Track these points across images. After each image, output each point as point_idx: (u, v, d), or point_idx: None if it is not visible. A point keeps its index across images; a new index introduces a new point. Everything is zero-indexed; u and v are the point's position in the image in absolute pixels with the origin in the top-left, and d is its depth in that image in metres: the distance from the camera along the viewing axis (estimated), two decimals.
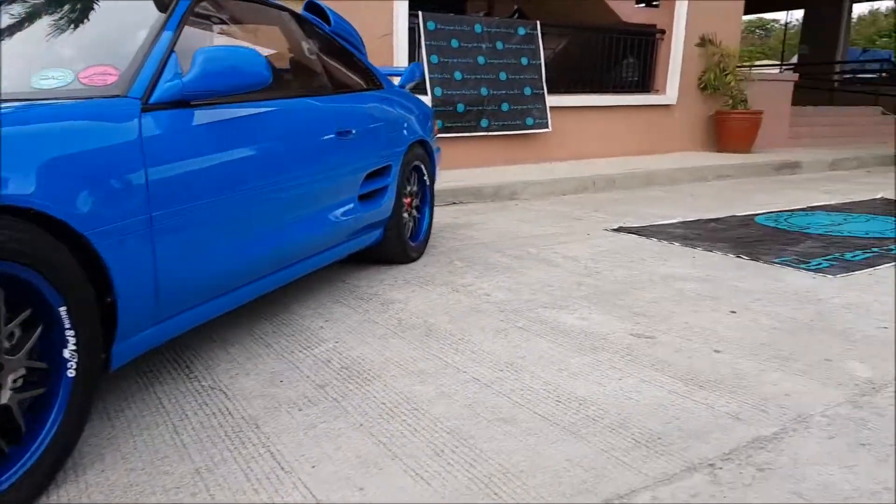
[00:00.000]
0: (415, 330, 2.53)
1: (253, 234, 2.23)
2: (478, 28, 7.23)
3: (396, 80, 3.91)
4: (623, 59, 8.46)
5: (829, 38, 16.86)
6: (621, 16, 8.31)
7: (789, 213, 5.07)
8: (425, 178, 3.77)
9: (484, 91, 7.26)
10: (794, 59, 20.64)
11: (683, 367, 2.18)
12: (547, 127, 7.67)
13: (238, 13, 2.75)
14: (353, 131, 2.88)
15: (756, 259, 3.61)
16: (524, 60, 7.51)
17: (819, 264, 3.48)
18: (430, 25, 6.99)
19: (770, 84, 9.62)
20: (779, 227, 4.53)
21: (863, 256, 3.62)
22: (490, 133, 7.39)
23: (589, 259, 3.64)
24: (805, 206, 5.33)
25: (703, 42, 8.58)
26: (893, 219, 4.75)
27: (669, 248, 3.92)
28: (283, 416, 1.85)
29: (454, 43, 7.12)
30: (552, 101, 7.76)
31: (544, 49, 7.84)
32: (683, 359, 2.26)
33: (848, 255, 3.65)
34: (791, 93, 9.79)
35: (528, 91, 7.54)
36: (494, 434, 1.75)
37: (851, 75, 16.60)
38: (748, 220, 4.77)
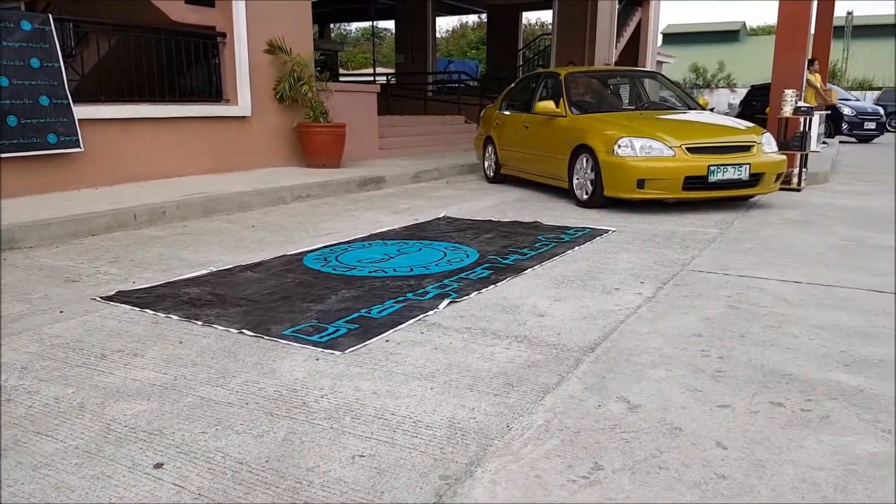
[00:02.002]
0: None
1: None
2: None
3: None
4: (184, 65, 7.23)
5: (420, 49, 18.16)
6: (169, 14, 7.06)
7: (346, 245, 4.49)
8: None
9: None
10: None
11: None
12: (77, 146, 6.06)
13: None
14: None
15: (263, 333, 2.77)
16: (35, 62, 5.77)
17: (336, 332, 2.78)
18: None
19: (354, 95, 9.43)
20: (324, 269, 3.85)
21: (390, 311, 3.05)
22: None
23: (19, 369, 2.37)
24: (367, 234, 4.85)
25: (273, 48, 7.85)
26: (445, 244, 4.50)
27: (157, 328, 2.86)
28: None
29: None
30: (88, 112, 6.17)
31: (86, 52, 6.22)
32: None
33: (375, 311, 3.05)
34: (375, 104, 9.76)
35: (45, 101, 5.82)
36: None
37: (442, 84, 18.08)
38: (295, 263, 4.01)
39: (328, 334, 2.75)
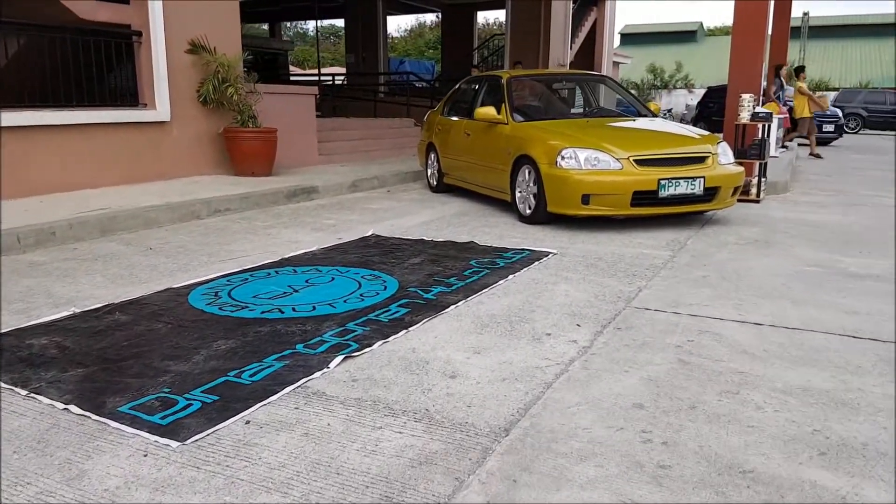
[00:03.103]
0: None
1: None
2: None
3: None
4: (95, 68, 6.51)
5: (371, 49, 17.53)
6: (77, 13, 6.33)
7: (248, 274, 3.89)
8: None
9: None
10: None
11: None
12: None
13: None
14: None
15: (93, 410, 2.17)
16: None
17: (186, 407, 2.19)
18: None
19: (290, 97, 8.78)
20: (209, 308, 3.25)
21: (266, 372, 2.47)
22: None
23: None
24: (278, 259, 4.25)
25: (196, 48, 7.17)
26: (363, 272, 3.93)
27: None
28: None
29: None
30: None
31: None
32: None
33: (248, 373, 2.47)
34: (313, 106, 9.12)
35: None
36: None
37: (394, 85, 17.49)
38: (178, 299, 3.40)
39: (174, 412, 2.16)
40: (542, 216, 5.37)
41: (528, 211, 5.52)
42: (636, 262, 4.17)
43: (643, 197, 5.02)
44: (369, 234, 5.09)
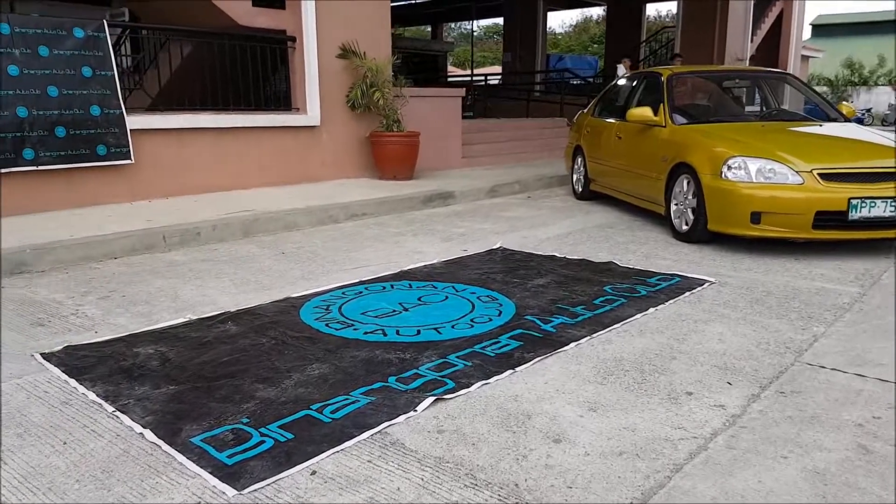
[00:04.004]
0: None
1: None
2: (4, 28, 5.07)
3: None
4: (250, 73, 6.80)
5: (529, 46, 17.12)
6: (236, 19, 6.62)
7: (364, 287, 3.72)
8: None
9: (22, 112, 5.14)
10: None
11: None
12: (128, 157, 5.74)
13: None
14: None
15: (166, 438, 2.04)
16: (86, 71, 5.50)
17: (258, 446, 2.00)
18: None
19: (437, 100, 8.66)
20: (316, 324, 3.09)
21: (349, 409, 2.22)
22: (42, 167, 5.30)
23: None
24: (397, 272, 4.05)
25: (346, 53, 7.24)
26: (481, 292, 3.60)
27: (58, 413, 2.22)
28: None
29: None
30: (141, 122, 5.86)
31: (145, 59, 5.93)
32: None
33: (330, 408, 2.22)
34: (459, 109, 8.94)
35: (96, 111, 5.54)
36: None
37: (551, 83, 16.96)
38: (290, 312, 3.29)
39: (244, 450, 1.98)
40: (700, 234, 4.70)
41: (685, 227, 4.87)
42: (814, 299, 3.44)
43: (828, 218, 4.19)
44: (496, 246, 4.75)
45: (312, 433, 2.09)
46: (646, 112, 5.51)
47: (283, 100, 7.34)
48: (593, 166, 6.73)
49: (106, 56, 5.63)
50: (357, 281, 3.84)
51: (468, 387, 2.41)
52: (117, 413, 2.23)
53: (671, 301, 3.40)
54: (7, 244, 4.16)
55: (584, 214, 6.18)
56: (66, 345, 2.86)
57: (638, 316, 3.18)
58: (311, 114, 7.11)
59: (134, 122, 5.77)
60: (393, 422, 2.15)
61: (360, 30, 7.38)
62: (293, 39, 6.97)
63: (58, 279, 3.92)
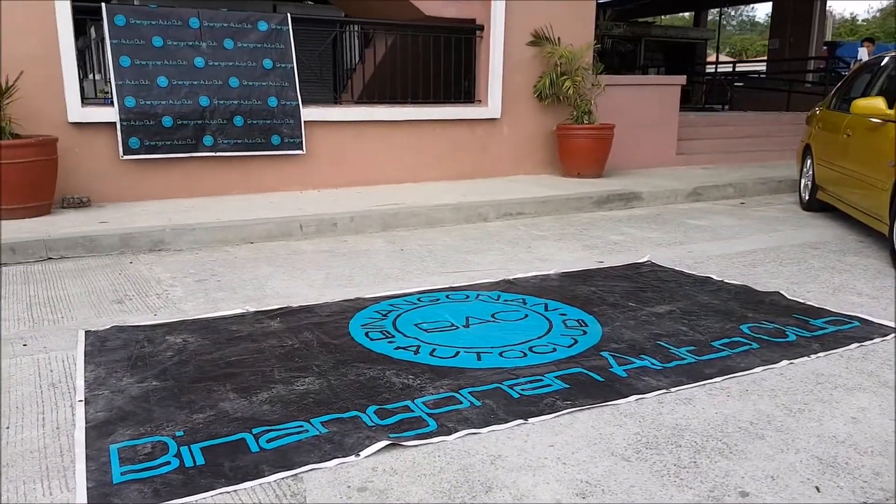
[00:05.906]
0: None
1: None
2: (194, 22, 5.58)
3: None
4: (430, 64, 6.68)
5: (802, 32, 14.68)
6: (424, 10, 6.52)
7: (445, 294, 3.27)
8: None
9: (204, 101, 5.61)
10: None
11: None
12: (300, 148, 5.96)
13: None
14: None
15: (97, 439, 1.86)
16: (267, 63, 5.83)
17: (164, 465, 1.72)
18: (119, 20, 5.37)
19: (646, 89, 7.71)
20: (358, 332, 2.74)
21: (288, 440, 1.82)
22: (219, 154, 5.72)
23: None
24: (497, 280, 3.50)
25: (539, 40, 6.73)
26: (575, 315, 2.92)
27: (45, 393, 2.19)
28: None
29: (157, 41, 5.48)
30: (316, 114, 6.05)
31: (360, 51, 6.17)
32: None
33: (266, 438, 1.86)
34: (676, 99, 7.84)
35: (273, 102, 5.86)
36: None
37: (822, 72, 14.36)
38: (346, 315, 2.98)
39: (141, 469, 1.74)
40: None
41: None
42: None
43: None
44: (644, 259, 3.92)
45: (225, 463, 1.76)
46: (875, 103, 4.14)
47: (464, 92, 7.10)
48: (820, 170, 5.34)
49: (287, 49, 5.90)
50: (443, 287, 3.41)
51: (448, 434, 1.87)
52: (78, 404, 2.13)
53: (823, 353, 2.40)
54: (154, 223, 4.52)
55: (795, 229, 4.92)
56: (113, 325, 2.89)
57: (758, 369, 2.28)
58: (492, 105, 6.76)
59: (309, 113, 5.99)
60: (319, 466, 1.73)
61: (556, 15, 6.82)
62: (481, 28, 6.68)
63: (182, 259, 4.13)
